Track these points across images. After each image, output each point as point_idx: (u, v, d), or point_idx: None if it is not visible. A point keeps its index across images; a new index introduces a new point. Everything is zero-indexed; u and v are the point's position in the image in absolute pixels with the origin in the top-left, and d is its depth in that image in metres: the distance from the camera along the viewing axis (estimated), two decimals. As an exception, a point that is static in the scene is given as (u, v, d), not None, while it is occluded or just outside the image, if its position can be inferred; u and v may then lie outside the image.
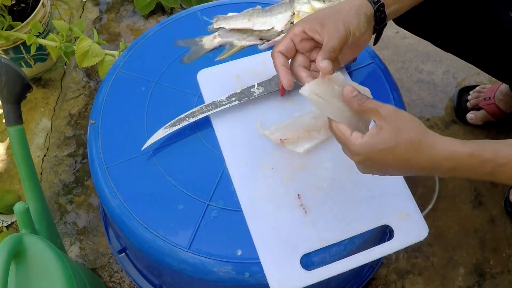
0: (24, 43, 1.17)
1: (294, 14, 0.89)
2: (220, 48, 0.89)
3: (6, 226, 1.14)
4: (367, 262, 0.68)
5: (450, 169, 0.56)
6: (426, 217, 0.72)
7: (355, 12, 0.65)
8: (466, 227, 1.13)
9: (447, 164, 0.55)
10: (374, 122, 0.57)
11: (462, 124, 1.26)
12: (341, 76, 0.61)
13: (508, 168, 0.54)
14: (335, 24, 0.64)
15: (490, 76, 1.33)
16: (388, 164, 0.56)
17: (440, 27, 0.95)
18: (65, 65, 1.38)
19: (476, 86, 1.28)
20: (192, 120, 0.77)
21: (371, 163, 0.57)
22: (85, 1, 1.51)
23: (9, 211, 1.14)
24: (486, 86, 1.26)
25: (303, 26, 0.65)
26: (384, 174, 0.60)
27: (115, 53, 1.11)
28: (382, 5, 0.68)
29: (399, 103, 0.83)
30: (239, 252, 0.69)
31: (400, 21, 0.95)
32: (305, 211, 0.71)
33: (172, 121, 0.77)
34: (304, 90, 0.60)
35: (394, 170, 0.58)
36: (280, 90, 0.80)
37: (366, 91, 0.61)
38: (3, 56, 1.20)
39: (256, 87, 0.80)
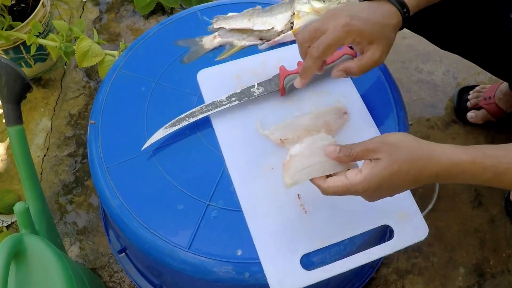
0: (24, 43, 1.17)
1: (294, 14, 0.89)
2: (220, 48, 0.89)
3: (6, 226, 1.14)
4: (367, 262, 0.68)
5: (453, 177, 0.56)
6: (426, 217, 0.72)
7: (393, 29, 0.68)
8: (466, 227, 1.13)
9: (450, 173, 0.56)
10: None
11: (462, 124, 1.26)
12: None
13: (509, 174, 0.55)
14: (382, 44, 0.66)
15: (490, 76, 1.33)
16: (397, 185, 0.57)
17: (440, 26, 0.95)
18: (65, 65, 1.38)
19: (476, 86, 1.28)
20: (192, 120, 0.77)
21: (379, 191, 0.58)
22: (85, 1, 1.51)
23: (9, 211, 1.14)
24: (486, 86, 1.26)
25: (352, 36, 0.65)
26: (393, 195, 0.60)
27: (115, 53, 1.11)
28: (408, 10, 0.69)
29: (399, 103, 0.83)
30: (239, 252, 0.69)
31: None
32: (305, 211, 0.71)
33: (172, 121, 0.77)
34: (286, 184, 0.62)
35: (402, 189, 0.59)
36: (280, 90, 0.80)
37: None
38: (3, 56, 1.20)
39: (256, 87, 0.80)
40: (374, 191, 0.58)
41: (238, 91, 0.80)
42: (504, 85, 1.19)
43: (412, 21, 0.84)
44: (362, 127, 0.78)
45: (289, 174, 0.63)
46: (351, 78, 0.84)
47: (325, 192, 0.60)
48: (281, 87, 0.79)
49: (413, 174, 0.56)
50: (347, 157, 0.58)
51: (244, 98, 0.79)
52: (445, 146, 0.57)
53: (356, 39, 0.66)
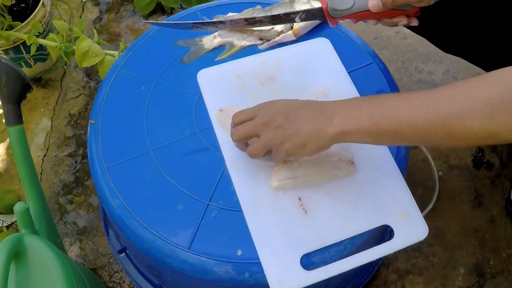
0: (24, 43, 1.17)
1: (294, 14, 0.89)
2: (220, 48, 0.89)
3: (6, 226, 1.14)
4: (367, 262, 0.68)
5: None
6: (426, 217, 0.72)
7: None
8: (466, 227, 1.13)
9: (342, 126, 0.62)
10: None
11: (462, 124, 1.26)
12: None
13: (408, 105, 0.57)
14: None
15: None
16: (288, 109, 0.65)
17: (443, 28, 0.95)
18: (65, 65, 1.38)
19: (476, 86, 1.27)
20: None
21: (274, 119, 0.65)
22: (85, 1, 1.51)
23: (9, 211, 1.14)
24: (486, 86, 1.26)
25: None
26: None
27: (115, 53, 1.11)
28: None
29: (399, 103, 0.83)
30: (239, 252, 0.69)
31: None
32: (305, 211, 0.71)
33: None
34: (274, 187, 0.72)
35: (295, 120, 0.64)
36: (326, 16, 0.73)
37: (348, 157, 0.73)
38: (3, 56, 1.20)
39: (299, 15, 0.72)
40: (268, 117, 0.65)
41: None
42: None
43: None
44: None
45: (276, 179, 0.72)
46: (351, 78, 0.84)
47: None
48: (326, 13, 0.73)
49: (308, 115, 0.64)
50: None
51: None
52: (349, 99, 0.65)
53: None
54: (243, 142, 0.71)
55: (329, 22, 0.73)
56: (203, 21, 0.73)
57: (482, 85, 0.53)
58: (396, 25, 0.73)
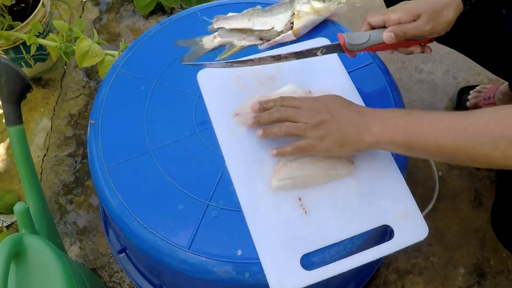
0: (24, 43, 1.17)
1: (294, 14, 0.89)
2: (220, 48, 0.89)
3: (6, 226, 1.14)
4: (367, 262, 0.68)
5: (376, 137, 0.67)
6: (426, 217, 0.72)
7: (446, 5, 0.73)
8: (466, 227, 1.13)
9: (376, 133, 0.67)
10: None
11: (462, 124, 1.26)
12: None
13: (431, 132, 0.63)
14: (428, 16, 0.72)
15: (490, 76, 1.33)
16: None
17: None
18: (65, 65, 1.38)
19: (476, 86, 1.28)
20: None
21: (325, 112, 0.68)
22: (85, 1, 1.51)
23: (9, 211, 1.15)
24: (486, 86, 1.26)
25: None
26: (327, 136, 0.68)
27: (115, 53, 1.11)
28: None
29: (399, 103, 0.83)
30: (239, 252, 0.69)
31: None
32: (305, 211, 0.71)
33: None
34: (273, 187, 0.72)
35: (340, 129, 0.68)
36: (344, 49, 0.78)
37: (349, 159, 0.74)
38: (3, 56, 1.20)
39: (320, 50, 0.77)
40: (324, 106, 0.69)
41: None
42: (504, 85, 1.19)
43: None
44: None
45: (276, 179, 0.72)
46: (351, 78, 0.84)
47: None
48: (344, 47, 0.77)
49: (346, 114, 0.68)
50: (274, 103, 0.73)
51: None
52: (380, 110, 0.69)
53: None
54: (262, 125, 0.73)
55: (348, 55, 0.78)
56: (234, 60, 0.78)
57: (509, 121, 0.57)
58: (411, 53, 0.78)
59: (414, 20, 0.73)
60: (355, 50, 0.76)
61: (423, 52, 0.79)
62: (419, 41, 0.77)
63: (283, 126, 0.70)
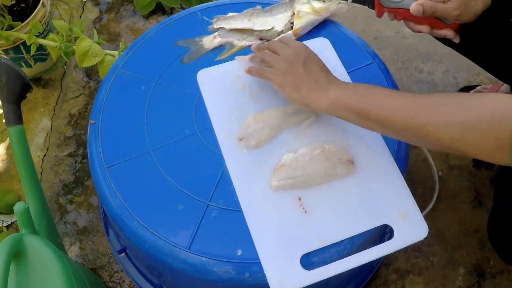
0: (24, 43, 1.17)
1: (294, 14, 0.89)
2: (220, 48, 0.89)
3: (6, 226, 1.14)
4: (367, 262, 0.68)
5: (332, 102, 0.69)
6: (426, 217, 0.72)
7: None
8: (466, 227, 1.13)
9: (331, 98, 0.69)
10: None
11: (462, 124, 1.26)
12: None
13: (377, 101, 0.66)
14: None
15: (490, 76, 1.33)
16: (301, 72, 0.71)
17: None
18: (65, 65, 1.38)
19: (476, 86, 1.28)
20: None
21: (293, 65, 0.72)
22: (85, 1, 1.51)
23: (9, 211, 1.15)
24: (487, 86, 1.26)
25: None
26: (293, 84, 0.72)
27: (115, 53, 1.11)
28: None
29: (399, 103, 0.83)
30: (239, 252, 0.69)
31: None
32: (305, 211, 0.71)
33: None
34: (273, 187, 0.72)
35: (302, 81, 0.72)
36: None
37: (348, 157, 0.74)
38: (3, 56, 1.20)
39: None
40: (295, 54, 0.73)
41: None
42: (505, 86, 1.19)
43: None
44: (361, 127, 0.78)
45: (276, 179, 0.72)
46: (351, 78, 0.84)
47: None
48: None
49: (316, 76, 0.71)
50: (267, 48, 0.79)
51: None
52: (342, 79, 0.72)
53: None
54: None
55: (376, 11, 0.79)
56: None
57: (460, 108, 0.60)
58: (443, 37, 0.80)
59: (444, 2, 0.74)
60: (387, 6, 0.77)
61: (452, 38, 0.80)
62: (448, 25, 0.78)
63: (259, 70, 0.78)
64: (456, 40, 0.81)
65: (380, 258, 0.99)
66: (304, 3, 0.89)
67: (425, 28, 0.80)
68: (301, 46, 0.76)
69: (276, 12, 0.90)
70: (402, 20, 0.82)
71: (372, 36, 1.41)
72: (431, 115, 0.61)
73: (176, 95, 0.83)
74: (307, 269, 0.67)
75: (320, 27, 0.91)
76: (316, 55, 0.76)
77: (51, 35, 1.14)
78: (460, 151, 0.60)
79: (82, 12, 1.49)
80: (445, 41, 1.03)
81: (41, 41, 1.14)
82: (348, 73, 0.85)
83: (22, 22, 1.15)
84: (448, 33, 0.79)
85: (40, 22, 1.17)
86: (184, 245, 0.69)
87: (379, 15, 0.79)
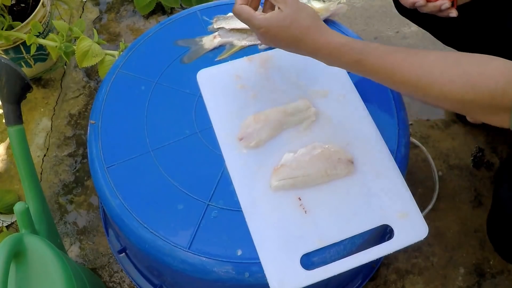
0: (24, 43, 1.17)
1: (294, 14, 0.89)
2: (220, 48, 0.89)
3: (6, 226, 1.14)
4: (367, 262, 0.68)
5: (327, 55, 0.66)
6: (426, 217, 0.72)
7: None
8: (466, 227, 1.13)
9: (324, 50, 0.66)
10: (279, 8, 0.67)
11: (462, 124, 1.26)
12: None
13: (372, 57, 0.63)
14: None
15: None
16: (281, 39, 0.68)
17: (445, 21, 0.95)
18: (65, 65, 1.38)
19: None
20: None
21: (269, 36, 0.68)
22: (85, 1, 1.51)
23: (9, 211, 1.15)
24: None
25: None
26: (281, 48, 0.70)
27: (115, 53, 1.11)
28: None
29: (399, 103, 0.83)
30: (239, 252, 0.69)
31: (404, 11, 0.95)
32: (305, 211, 0.71)
33: None
34: (273, 186, 0.72)
35: (286, 45, 0.69)
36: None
37: (348, 157, 0.74)
38: (3, 56, 1.20)
39: None
40: (266, 32, 0.68)
41: None
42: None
43: (417, 15, 0.85)
44: (361, 126, 0.78)
45: (276, 179, 0.72)
46: (350, 78, 0.84)
47: (233, 10, 0.71)
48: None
49: (296, 38, 0.67)
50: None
51: None
52: (329, 30, 0.67)
53: None
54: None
55: None
56: None
57: (466, 65, 0.58)
58: (438, 9, 0.78)
59: None
60: None
61: (449, 9, 0.78)
62: None
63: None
64: (454, 14, 0.78)
65: (380, 258, 0.98)
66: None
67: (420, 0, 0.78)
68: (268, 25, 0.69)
69: (276, 12, 0.90)
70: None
71: (372, 36, 1.41)
72: (433, 69, 0.59)
73: (176, 95, 0.83)
74: (307, 269, 0.67)
75: (320, 27, 0.91)
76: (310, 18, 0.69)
77: (51, 35, 1.14)
78: (461, 109, 0.60)
79: (82, 12, 1.49)
80: (446, 40, 1.04)
81: (41, 41, 1.14)
82: (348, 73, 0.85)
83: (22, 22, 1.15)
84: (445, 2, 0.77)
85: (40, 22, 1.17)
86: (184, 245, 0.69)
87: None
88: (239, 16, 0.70)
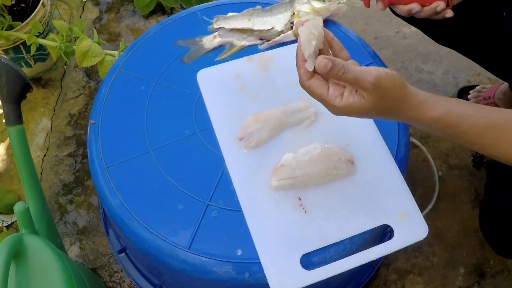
0: (24, 43, 1.17)
1: (294, 14, 0.89)
2: (220, 48, 0.89)
3: (6, 226, 1.14)
4: (367, 262, 0.68)
5: (418, 125, 0.61)
6: (426, 217, 0.72)
7: None
8: (466, 227, 1.13)
9: (416, 124, 0.60)
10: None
11: (462, 124, 1.26)
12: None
13: (468, 135, 0.60)
14: None
15: (490, 76, 1.33)
16: (364, 117, 0.60)
17: (439, 20, 0.95)
18: (65, 65, 1.38)
19: (476, 86, 1.28)
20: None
21: (346, 115, 0.59)
22: (85, 1, 1.51)
23: (9, 211, 1.14)
24: (486, 86, 1.26)
25: None
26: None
27: (115, 53, 1.11)
28: None
29: (399, 103, 0.83)
30: (239, 252, 0.69)
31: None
32: (305, 211, 0.71)
33: None
34: (273, 186, 0.72)
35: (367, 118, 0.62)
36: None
37: (348, 157, 0.73)
38: (3, 56, 1.20)
39: None
40: (341, 114, 0.59)
41: None
42: (505, 85, 1.19)
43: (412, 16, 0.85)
44: (361, 127, 0.78)
45: (276, 179, 0.72)
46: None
47: (301, 84, 0.60)
48: None
49: (384, 116, 0.60)
50: (335, 76, 0.57)
51: None
52: (420, 108, 0.59)
53: None
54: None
55: (363, 1, 0.79)
56: None
57: None
58: (434, 11, 0.76)
59: None
60: None
61: (444, 10, 0.77)
62: None
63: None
64: (450, 14, 0.78)
65: (380, 258, 0.98)
66: (304, 3, 0.89)
67: (414, 5, 0.77)
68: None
69: (276, 12, 0.90)
70: (389, 6, 0.80)
71: (372, 36, 1.41)
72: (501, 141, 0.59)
73: (176, 95, 0.83)
74: (307, 269, 0.67)
75: (320, 27, 0.91)
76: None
77: (51, 35, 1.14)
78: None
79: (82, 12, 1.49)
80: (444, 41, 1.04)
81: (41, 41, 1.14)
82: (348, 73, 0.84)
83: (22, 22, 1.15)
84: (439, 3, 0.76)
85: (40, 22, 1.17)
86: (184, 245, 0.69)
87: (367, 5, 0.78)
88: (311, 94, 0.60)
